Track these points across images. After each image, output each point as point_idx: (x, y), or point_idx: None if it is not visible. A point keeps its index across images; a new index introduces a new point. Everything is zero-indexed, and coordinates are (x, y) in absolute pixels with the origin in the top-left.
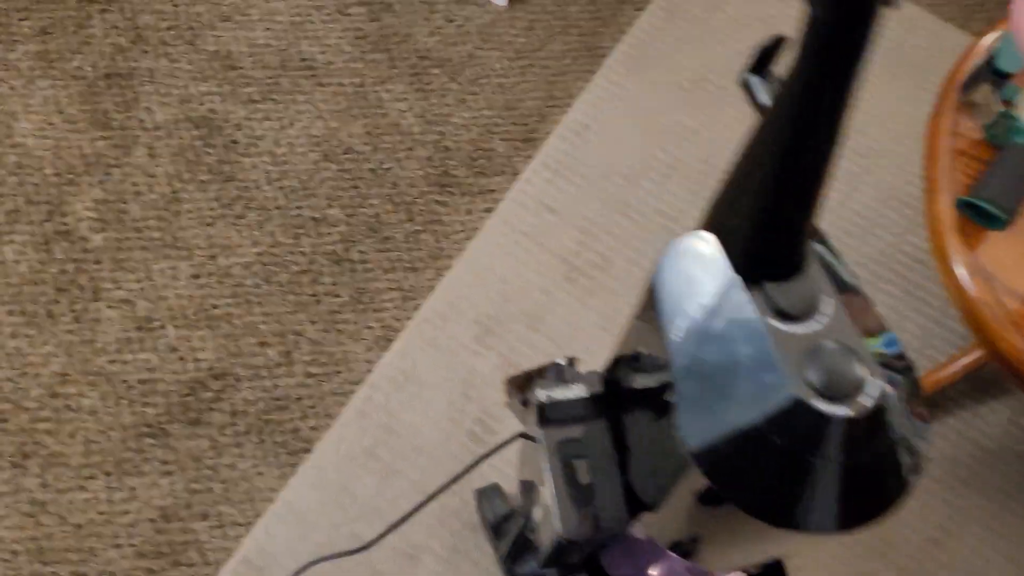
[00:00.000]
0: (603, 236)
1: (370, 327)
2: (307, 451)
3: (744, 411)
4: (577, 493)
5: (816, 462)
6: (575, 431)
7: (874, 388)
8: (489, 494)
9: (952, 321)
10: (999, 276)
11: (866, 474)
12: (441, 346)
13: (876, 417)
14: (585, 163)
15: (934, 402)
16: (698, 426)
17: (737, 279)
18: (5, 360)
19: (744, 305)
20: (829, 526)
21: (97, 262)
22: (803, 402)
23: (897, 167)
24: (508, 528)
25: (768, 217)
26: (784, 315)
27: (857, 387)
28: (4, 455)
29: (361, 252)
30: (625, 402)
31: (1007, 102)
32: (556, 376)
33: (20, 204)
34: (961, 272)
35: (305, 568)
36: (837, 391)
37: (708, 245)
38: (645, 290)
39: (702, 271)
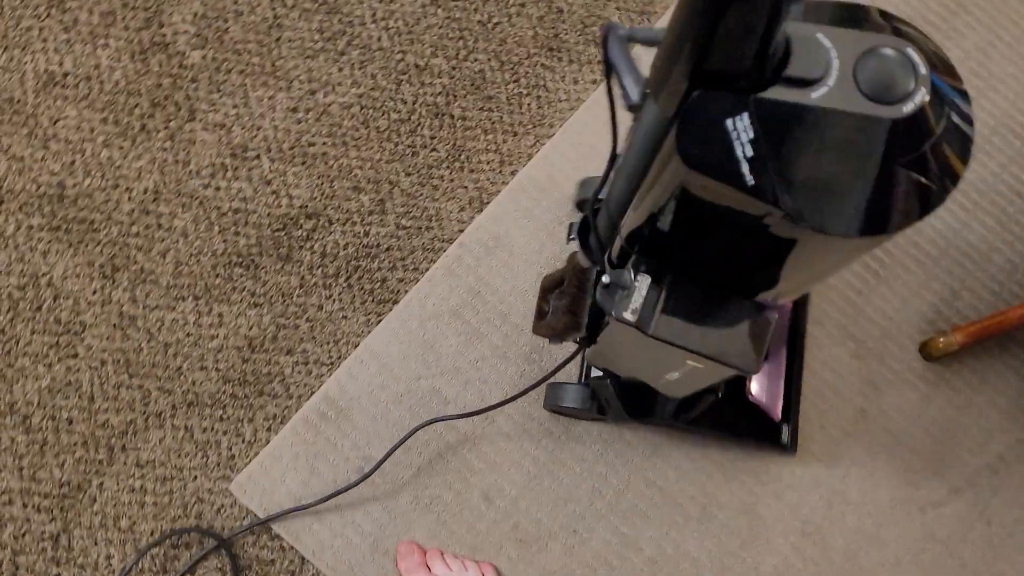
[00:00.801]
0: None
1: (464, 187)
2: (394, 302)
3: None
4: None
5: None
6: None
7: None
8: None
9: None
10: None
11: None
12: (535, 217)
13: (923, 117)
14: None
15: (1012, 335)
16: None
17: None
18: (97, 169)
19: None
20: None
21: (194, 80)
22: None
23: (1016, 95)
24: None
25: None
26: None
27: (906, 92)
28: (95, 264)
29: (462, 108)
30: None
31: None
32: None
33: (116, 6)
34: None
35: (425, 425)
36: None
37: None
38: None
39: None
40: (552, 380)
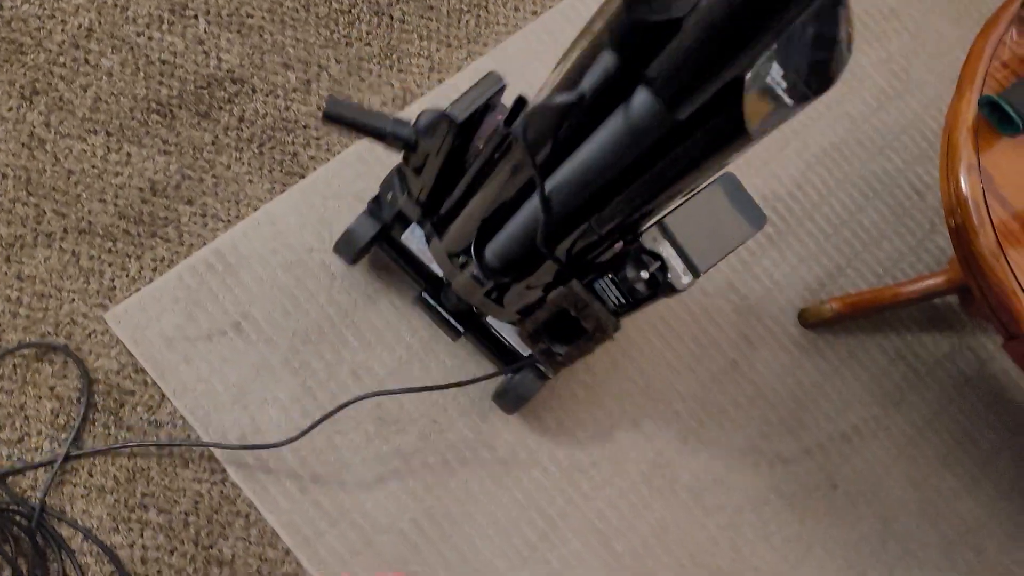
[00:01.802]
0: None
1: (390, 84)
2: (301, 176)
3: None
4: None
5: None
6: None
7: None
8: None
9: (927, 254)
10: (996, 181)
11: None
12: None
13: None
14: None
15: (886, 319)
16: None
17: None
18: (32, 3)
19: None
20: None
21: None
22: None
23: (929, 101)
24: None
25: None
26: None
27: None
28: (15, 85)
29: (403, 11)
30: None
31: None
32: None
33: None
34: (963, 167)
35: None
36: None
37: None
38: None
39: None
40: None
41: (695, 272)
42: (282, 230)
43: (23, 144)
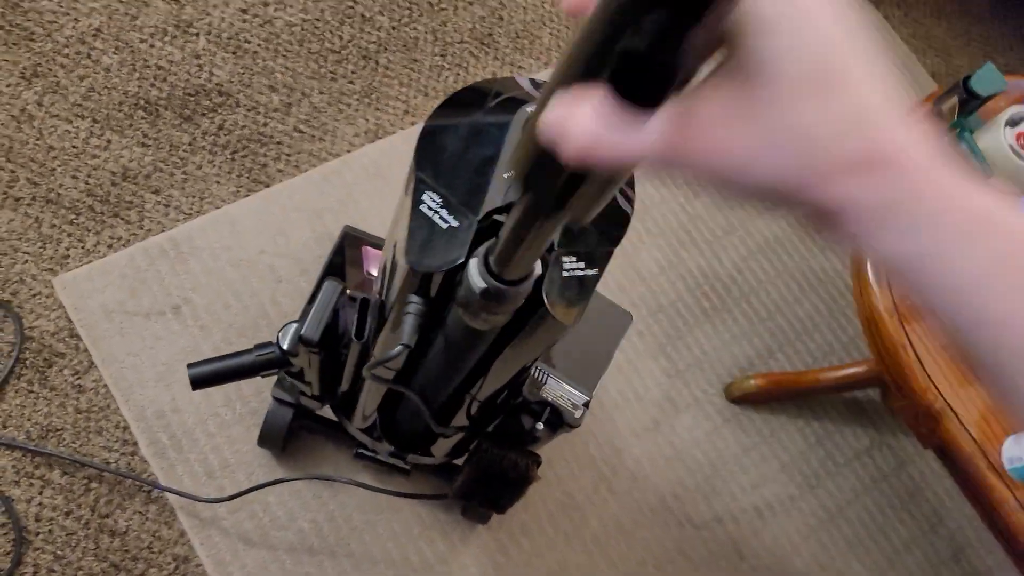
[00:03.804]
0: None
1: (366, 119)
2: (267, 185)
3: None
4: None
5: None
6: None
7: None
8: None
9: (857, 351)
10: None
11: None
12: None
13: None
14: None
15: (810, 405)
16: None
17: None
18: (50, 0)
19: None
20: None
21: None
22: None
23: None
24: None
25: None
26: None
27: None
28: (18, 65)
29: (388, 60)
30: None
31: (966, 117)
32: None
33: None
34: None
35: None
36: None
37: None
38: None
39: None
40: None
41: (585, 402)
42: (238, 230)
43: (13, 117)
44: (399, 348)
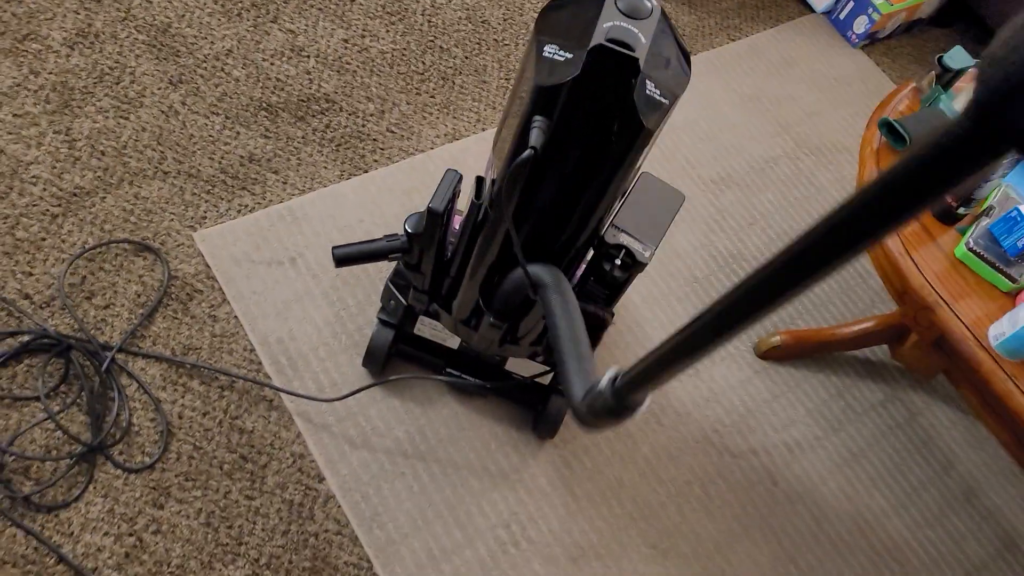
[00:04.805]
0: None
1: (444, 125)
2: (365, 172)
3: None
4: None
5: None
6: None
7: None
8: None
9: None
10: None
11: None
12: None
13: None
14: None
15: (828, 362)
16: None
17: None
18: (198, 25)
19: None
20: None
21: (286, 2)
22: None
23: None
24: None
25: None
26: None
27: None
28: (167, 74)
29: (463, 81)
30: None
31: (944, 87)
32: None
33: None
34: (867, 174)
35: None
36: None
37: None
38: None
39: None
40: None
41: (652, 247)
42: (341, 204)
43: (163, 112)
44: (528, 152)
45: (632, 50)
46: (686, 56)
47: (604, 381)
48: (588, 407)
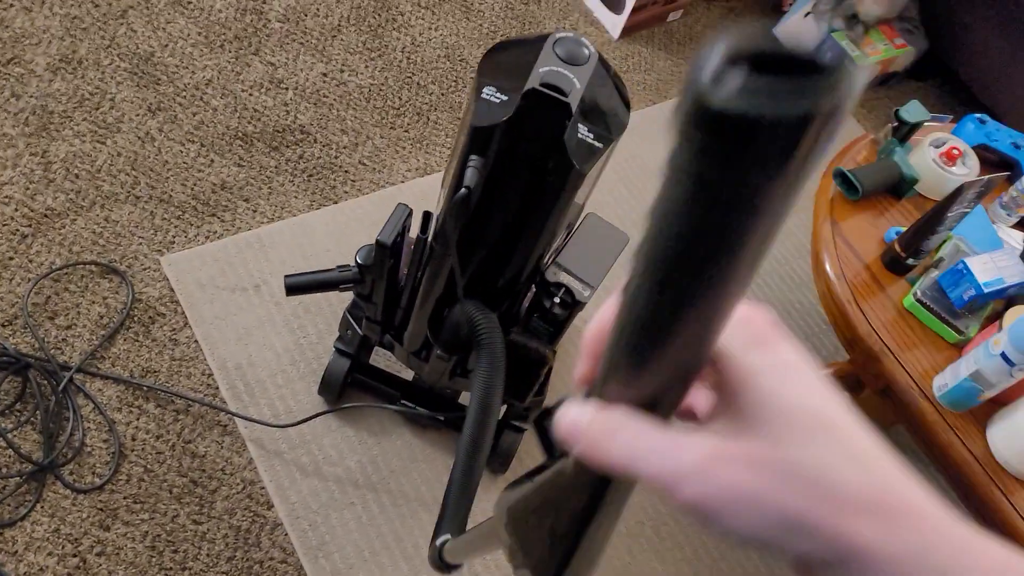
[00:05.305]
0: None
1: (418, 159)
2: (335, 202)
3: None
4: None
5: None
6: None
7: None
8: None
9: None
10: (843, 230)
11: None
12: None
13: None
14: None
15: None
16: None
17: None
18: (180, 55)
19: None
20: None
21: (268, 36)
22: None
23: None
24: None
25: None
26: None
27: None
28: (146, 101)
29: (438, 117)
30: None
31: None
32: None
33: None
34: (822, 221)
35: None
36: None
37: None
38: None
39: None
40: None
41: (593, 287)
42: (309, 233)
43: (139, 137)
44: (463, 192)
45: (565, 95)
46: (626, 103)
47: (440, 540)
48: (430, 552)
